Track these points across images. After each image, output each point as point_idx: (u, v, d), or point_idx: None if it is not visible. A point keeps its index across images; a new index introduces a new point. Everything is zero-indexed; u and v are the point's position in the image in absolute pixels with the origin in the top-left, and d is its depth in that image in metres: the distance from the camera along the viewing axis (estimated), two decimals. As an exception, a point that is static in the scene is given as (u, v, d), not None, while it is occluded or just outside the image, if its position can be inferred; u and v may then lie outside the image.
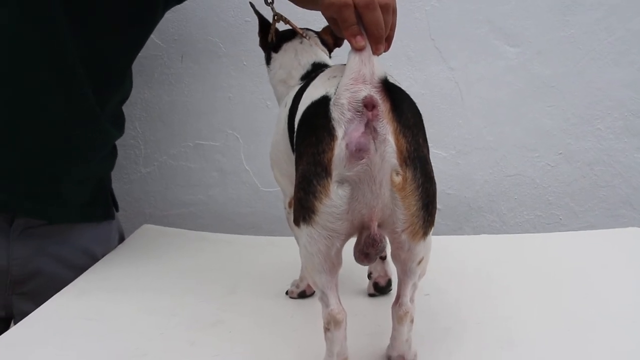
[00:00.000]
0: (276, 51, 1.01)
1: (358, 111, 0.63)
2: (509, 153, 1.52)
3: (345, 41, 1.01)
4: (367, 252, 0.67)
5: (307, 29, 1.02)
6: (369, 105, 0.63)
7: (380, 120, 0.64)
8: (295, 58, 0.98)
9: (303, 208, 0.66)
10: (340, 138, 0.63)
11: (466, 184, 1.53)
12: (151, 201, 1.60)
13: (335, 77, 0.70)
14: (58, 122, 1.05)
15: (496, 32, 1.46)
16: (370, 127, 0.63)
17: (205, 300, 0.98)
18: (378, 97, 0.64)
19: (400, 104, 0.66)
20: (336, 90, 0.65)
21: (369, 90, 0.64)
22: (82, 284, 1.05)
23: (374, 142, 0.63)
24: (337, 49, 1.05)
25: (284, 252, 1.10)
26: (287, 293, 1.00)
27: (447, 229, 1.53)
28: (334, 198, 0.64)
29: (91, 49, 1.05)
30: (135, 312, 0.94)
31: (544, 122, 1.50)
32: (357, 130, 0.63)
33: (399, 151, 0.64)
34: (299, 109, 0.75)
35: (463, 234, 1.53)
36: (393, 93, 0.65)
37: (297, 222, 0.68)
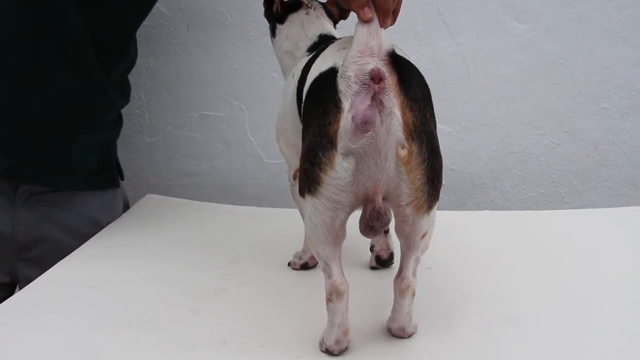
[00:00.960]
0: (282, 22, 1.00)
1: (365, 84, 0.63)
2: (514, 130, 1.52)
3: (351, 13, 1.02)
4: (372, 224, 0.68)
5: (312, 0, 1.01)
6: (375, 78, 0.63)
7: (387, 93, 0.63)
8: (302, 29, 0.97)
9: (308, 179, 0.66)
10: (347, 110, 0.63)
11: (470, 160, 1.53)
12: (155, 171, 1.60)
13: (344, 48, 0.70)
14: (62, 89, 1.05)
15: (505, 8, 1.45)
16: (376, 100, 0.63)
17: (208, 269, 0.99)
18: (385, 70, 0.63)
19: (408, 77, 0.66)
20: (344, 62, 0.65)
21: (376, 63, 0.63)
22: (87, 251, 1.06)
23: (380, 115, 0.63)
24: (342, 21, 1.04)
25: (288, 224, 1.10)
26: (289, 264, 1.01)
27: (450, 205, 1.54)
28: (339, 170, 0.64)
29: (95, 17, 1.04)
30: (139, 280, 0.95)
31: (550, 99, 1.50)
32: (364, 103, 0.63)
33: (405, 124, 0.64)
34: (307, 80, 0.75)
35: (466, 210, 1.54)
36: (401, 66, 0.65)
37: (302, 193, 0.69)
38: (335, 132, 0.64)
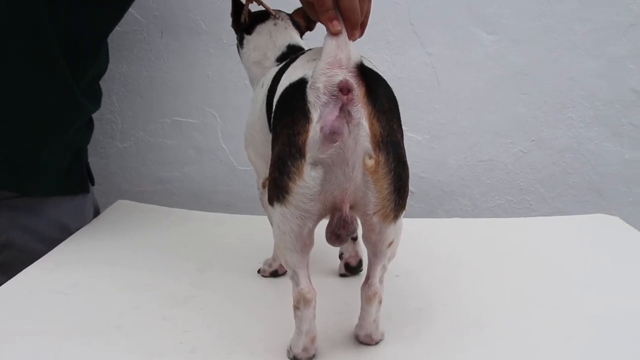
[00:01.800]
0: (249, 33, 1.01)
1: (333, 95, 0.64)
2: (483, 139, 1.54)
3: (318, 24, 1.03)
4: (339, 233, 0.69)
5: (279, 11, 1.02)
6: (344, 89, 0.64)
7: (355, 104, 0.65)
8: (270, 40, 0.99)
9: (277, 188, 0.67)
10: (315, 121, 0.64)
11: (440, 168, 1.56)
12: (127, 176, 1.60)
13: (314, 60, 0.71)
14: (31, 94, 1.04)
15: (474, 19, 1.48)
16: (344, 111, 0.64)
17: (178, 276, 0.99)
18: (353, 82, 0.65)
19: (376, 89, 0.67)
20: (313, 73, 0.66)
21: (345, 74, 0.65)
22: (55, 257, 1.05)
23: (348, 125, 0.64)
24: (308, 32, 1.06)
25: (258, 231, 1.11)
26: (259, 272, 1.01)
27: (420, 212, 1.56)
28: (307, 179, 0.65)
29: (66, 22, 1.04)
30: (108, 286, 0.95)
31: (517, 109, 1.53)
32: (332, 114, 0.64)
33: (373, 135, 0.65)
34: (277, 89, 0.76)
35: (435, 217, 1.56)
36: (368, 78, 0.67)
37: (271, 201, 0.70)
38: (304, 142, 0.65)
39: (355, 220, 0.69)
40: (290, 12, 1.04)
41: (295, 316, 0.71)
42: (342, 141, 0.64)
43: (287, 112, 0.68)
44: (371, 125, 0.65)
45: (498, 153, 1.56)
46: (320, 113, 0.64)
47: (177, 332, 0.80)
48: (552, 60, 1.50)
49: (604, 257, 1.11)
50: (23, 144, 1.07)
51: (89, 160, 1.27)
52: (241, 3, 1.02)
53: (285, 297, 0.78)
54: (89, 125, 1.23)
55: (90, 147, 1.27)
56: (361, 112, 0.65)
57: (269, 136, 0.85)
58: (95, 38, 1.15)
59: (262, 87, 0.93)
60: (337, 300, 0.89)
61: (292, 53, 0.95)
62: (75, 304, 0.89)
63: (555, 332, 0.82)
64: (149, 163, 1.59)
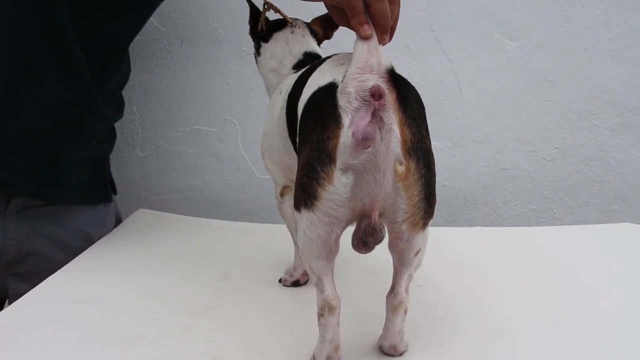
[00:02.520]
0: (266, 41, 1.01)
1: (365, 100, 0.64)
2: (506, 146, 1.52)
3: (335, 33, 1.04)
4: (366, 240, 0.68)
5: (297, 19, 1.03)
6: (375, 94, 0.64)
7: (387, 110, 0.64)
8: (287, 47, 0.99)
9: (305, 193, 0.66)
10: (347, 126, 0.64)
11: (462, 176, 1.54)
12: (147, 185, 1.60)
13: (343, 64, 0.70)
14: (56, 103, 1.05)
15: (497, 25, 1.46)
16: (376, 117, 0.63)
17: (199, 285, 0.98)
18: (385, 87, 0.64)
19: (407, 95, 0.66)
20: (343, 78, 0.65)
21: (376, 80, 0.64)
22: (77, 267, 1.05)
23: (380, 131, 0.63)
24: (326, 41, 1.06)
25: (279, 240, 1.10)
26: (280, 281, 1.00)
27: (441, 221, 1.54)
28: (337, 185, 0.65)
29: (89, 32, 1.05)
30: (129, 295, 0.95)
31: (541, 116, 1.51)
32: (364, 120, 0.63)
33: (404, 141, 0.64)
34: (303, 93, 0.75)
35: (457, 226, 1.54)
36: (399, 83, 0.66)
37: (297, 206, 0.68)
38: (335, 147, 0.64)
39: (384, 228, 0.68)
40: (307, 21, 1.04)
41: (320, 324, 0.70)
42: (374, 147, 0.63)
43: (317, 117, 0.67)
44: (402, 131, 0.64)
45: (521, 161, 1.53)
46: (352, 118, 0.64)
47: (198, 342, 0.79)
48: (576, 67, 1.48)
49: (630, 267, 1.08)
50: (47, 153, 1.07)
51: (110, 169, 1.27)
52: (259, 11, 1.02)
53: (308, 306, 0.77)
54: (112, 135, 1.24)
55: (111, 156, 1.27)
56: (392, 118, 0.64)
57: (288, 142, 0.85)
58: (117, 47, 1.15)
59: (280, 94, 0.92)
60: (359, 310, 0.88)
61: (309, 60, 0.96)
62: (96, 313, 0.88)
63: (579, 344, 0.80)
64: (169, 172, 1.59)
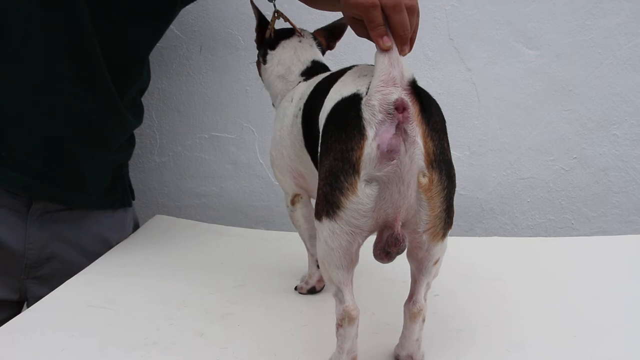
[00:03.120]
0: (273, 48, 1.03)
1: (389, 113, 0.65)
2: (524, 156, 1.51)
3: (338, 44, 1.09)
4: (389, 251, 0.68)
5: (303, 30, 1.05)
6: (399, 107, 0.64)
7: (410, 122, 0.64)
8: (295, 55, 1.01)
9: (327, 203, 0.67)
10: (371, 138, 0.65)
11: (479, 185, 1.53)
12: (164, 191, 1.61)
13: (365, 75, 0.71)
14: (79, 109, 1.07)
15: (515, 34, 1.45)
16: (400, 129, 0.64)
17: (215, 292, 0.99)
18: (408, 100, 0.65)
19: (429, 107, 0.67)
20: (367, 90, 0.66)
21: (400, 92, 0.65)
22: (94, 271, 1.06)
23: (404, 143, 0.64)
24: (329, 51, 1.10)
25: (295, 247, 1.10)
26: (296, 289, 1.00)
27: (458, 230, 1.53)
28: (361, 196, 0.65)
29: (111, 39, 1.06)
30: (146, 300, 0.95)
31: (560, 125, 1.50)
32: (389, 132, 0.64)
33: (427, 153, 0.65)
34: (325, 104, 0.75)
35: (474, 235, 1.53)
36: (421, 96, 0.66)
37: (319, 216, 0.69)
38: (359, 158, 0.65)
39: (406, 238, 0.68)
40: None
41: (338, 334, 0.70)
42: (399, 159, 0.64)
43: (340, 128, 0.68)
44: (425, 143, 0.65)
45: (539, 171, 1.52)
46: (376, 131, 0.65)
47: (214, 349, 0.79)
48: (596, 76, 1.46)
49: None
50: (69, 158, 1.09)
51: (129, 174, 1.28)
52: (267, 19, 1.04)
53: (323, 315, 0.78)
54: (131, 141, 1.25)
55: (130, 162, 1.29)
56: (416, 130, 0.65)
57: (303, 151, 0.85)
58: (138, 54, 1.17)
59: (292, 101, 0.94)
60: (375, 319, 0.88)
61: (316, 69, 0.98)
62: (113, 318, 0.89)
63: (596, 355, 0.80)
64: (187, 178, 1.60)
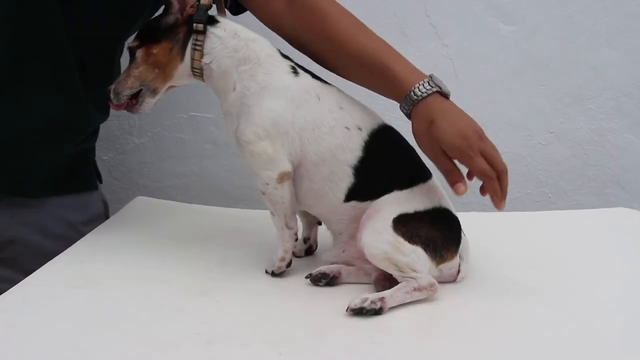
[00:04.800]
0: (214, 23, 0.95)
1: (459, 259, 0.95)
2: (501, 131, 1.53)
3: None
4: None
5: None
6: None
7: None
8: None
9: (433, 245, 0.89)
10: (457, 262, 0.94)
11: (457, 161, 1.54)
12: (145, 172, 1.61)
13: None
14: (43, 106, 1.05)
15: (492, 10, 1.46)
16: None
17: (196, 270, 0.99)
18: None
19: None
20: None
21: None
22: (73, 254, 1.05)
23: None
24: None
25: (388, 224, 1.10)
26: (270, 273, 0.98)
27: (437, 206, 1.54)
28: (433, 271, 0.89)
29: (82, 39, 1.04)
30: (126, 280, 0.95)
31: (536, 100, 1.51)
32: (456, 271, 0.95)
33: None
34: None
35: (453, 211, 1.55)
36: None
37: (413, 239, 0.87)
38: (447, 258, 0.91)
39: None
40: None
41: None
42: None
43: (444, 226, 0.92)
44: None
45: (516, 146, 1.54)
46: (460, 262, 0.94)
47: (193, 324, 0.80)
48: (572, 51, 1.48)
49: (624, 251, 1.09)
50: (30, 151, 1.07)
51: (107, 156, 1.27)
52: None
53: (300, 292, 0.82)
54: (94, 131, 1.23)
55: (108, 143, 1.28)
56: None
57: (338, 165, 0.93)
58: (108, 54, 1.14)
59: (319, 100, 0.93)
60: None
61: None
62: (91, 297, 0.89)
63: (574, 328, 0.82)
64: (167, 158, 1.60)
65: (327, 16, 0.96)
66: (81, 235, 1.12)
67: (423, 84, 0.90)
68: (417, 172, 0.95)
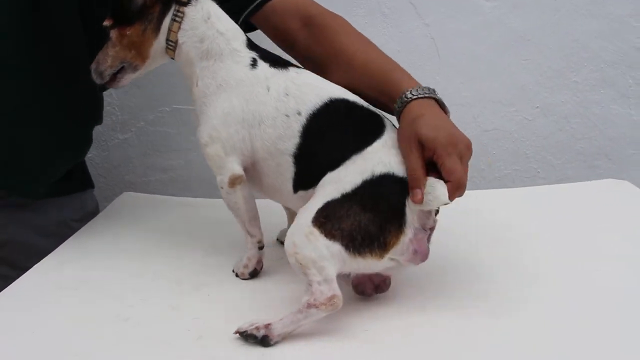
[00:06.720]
0: (190, 2, 0.92)
1: (424, 229, 0.78)
2: (486, 108, 1.52)
3: None
4: (380, 292, 0.85)
5: None
6: (432, 228, 0.79)
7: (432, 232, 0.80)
8: (228, 17, 0.93)
9: (353, 241, 0.76)
10: (408, 238, 0.77)
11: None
12: (130, 167, 1.59)
13: (394, 147, 0.81)
14: (51, 117, 1.07)
15: (471, -14, 1.45)
16: (429, 240, 0.80)
17: (186, 264, 0.99)
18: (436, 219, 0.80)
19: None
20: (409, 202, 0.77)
21: (434, 217, 0.79)
22: (64, 253, 1.05)
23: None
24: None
25: (265, 216, 1.10)
26: (237, 275, 0.95)
27: (426, 186, 1.54)
28: (382, 263, 0.77)
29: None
30: (117, 279, 0.95)
31: (520, 76, 1.51)
32: (424, 244, 0.78)
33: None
34: (365, 162, 0.81)
35: (442, 190, 1.54)
36: None
37: (327, 228, 0.75)
38: (391, 243, 0.76)
39: None
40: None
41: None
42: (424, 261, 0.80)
43: (378, 203, 0.77)
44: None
45: (502, 122, 1.54)
46: (414, 235, 0.77)
47: (184, 320, 0.80)
48: (553, 24, 1.47)
49: (616, 222, 1.10)
50: (27, 154, 1.07)
51: (92, 153, 1.27)
52: None
53: (290, 285, 0.84)
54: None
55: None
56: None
57: (282, 156, 0.87)
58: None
59: (269, 91, 0.88)
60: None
61: (253, 43, 0.93)
62: (83, 297, 0.89)
63: (566, 302, 0.82)
64: (152, 153, 1.58)
65: (337, 32, 0.95)
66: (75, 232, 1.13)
67: (420, 88, 0.84)
68: (353, 143, 0.83)
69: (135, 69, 0.95)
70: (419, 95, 0.83)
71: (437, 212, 0.80)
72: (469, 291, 0.86)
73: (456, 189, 0.76)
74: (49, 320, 0.82)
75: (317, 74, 0.91)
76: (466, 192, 1.31)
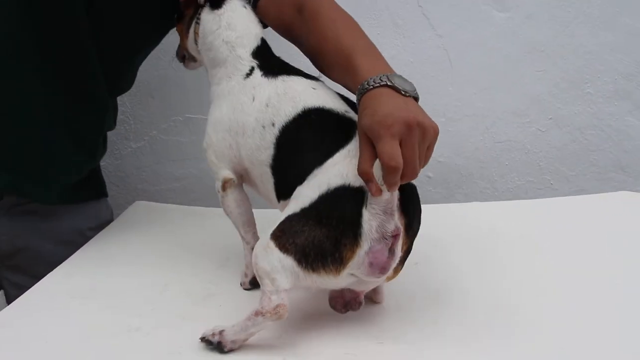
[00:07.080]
0: (218, 6, 0.94)
1: (384, 238, 0.71)
2: (499, 119, 1.52)
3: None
4: (352, 308, 0.80)
5: None
6: (396, 236, 0.71)
7: (398, 242, 0.72)
8: (247, 24, 0.94)
9: (306, 257, 0.72)
10: (364, 251, 0.71)
11: (457, 151, 1.53)
12: (143, 176, 1.60)
13: (354, 157, 0.74)
14: (63, 120, 1.08)
15: (485, -3, 1.45)
16: (392, 251, 0.71)
17: (197, 274, 0.99)
18: (400, 224, 0.72)
19: (412, 217, 0.74)
20: (365, 201, 0.70)
21: (396, 221, 0.71)
22: (76, 261, 1.05)
23: (390, 262, 0.72)
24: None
25: (274, 226, 1.10)
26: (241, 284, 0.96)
27: (438, 197, 1.54)
28: (340, 279, 0.73)
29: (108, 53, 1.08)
30: (128, 288, 0.95)
31: (533, 87, 1.50)
32: (383, 254, 0.71)
33: (402, 258, 0.74)
34: (326, 172, 0.76)
35: (454, 202, 1.54)
36: (407, 208, 0.73)
37: (282, 242, 0.73)
38: (347, 257, 0.71)
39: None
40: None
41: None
42: (383, 274, 0.73)
43: (333, 217, 0.72)
44: (403, 251, 0.74)
45: (516, 133, 1.53)
46: (371, 247, 0.71)
47: (196, 331, 0.79)
48: (567, 35, 1.46)
49: (629, 235, 1.08)
50: (43, 160, 1.08)
51: (105, 162, 1.27)
52: None
53: (301, 295, 0.82)
54: (105, 143, 1.24)
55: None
56: (400, 247, 0.72)
57: (262, 167, 0.87)
58: (132, 71, 1.22)
59: (253, 100, 0.88)
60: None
61: (265, 51, 0.93)
62: (95, 307, 0.89)
63: (578, 313, 0.81)
64: (165, 161, 1.59)
65: (325, 19, 0.91)
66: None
67: (377, 78, 0.76)
68: (318, 156, 0.79)
69: (192, 58, 1.05)
70: (374, 86, 0.75)
71: (406, 216, 0.73)
72: (482, 304, 0.85)
73: (390, 173, 0.67)
74: (61, 329, 0.82)
75: (319, 66, 0.91)
76: (477, 204, 1.32)
